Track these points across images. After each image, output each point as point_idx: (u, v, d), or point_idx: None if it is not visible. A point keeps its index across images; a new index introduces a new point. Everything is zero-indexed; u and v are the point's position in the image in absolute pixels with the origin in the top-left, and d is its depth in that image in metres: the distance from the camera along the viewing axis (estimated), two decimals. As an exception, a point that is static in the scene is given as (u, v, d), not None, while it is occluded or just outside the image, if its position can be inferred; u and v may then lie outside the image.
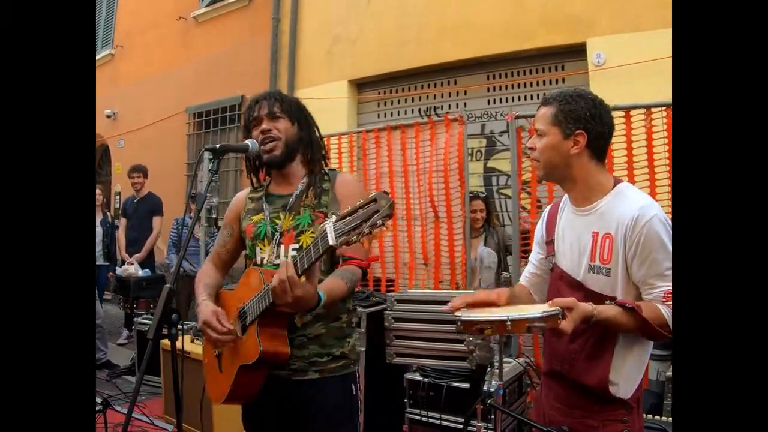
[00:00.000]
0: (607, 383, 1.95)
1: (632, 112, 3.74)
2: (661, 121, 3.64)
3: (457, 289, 4.65)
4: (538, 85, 6.15)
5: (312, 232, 2.09)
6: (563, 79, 5.94)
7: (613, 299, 1.91)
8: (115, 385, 5.58)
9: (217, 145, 2.10)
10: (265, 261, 2.17)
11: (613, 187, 2.00)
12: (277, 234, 2.15)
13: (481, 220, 4.99)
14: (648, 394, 3.37)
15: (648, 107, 3.69)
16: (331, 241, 1.64)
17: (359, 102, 7.45)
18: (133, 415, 1.91)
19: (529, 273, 2.30)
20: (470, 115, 6.45)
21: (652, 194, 3.69)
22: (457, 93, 6.71)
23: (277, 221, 2.17)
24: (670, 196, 3.65)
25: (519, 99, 6.28)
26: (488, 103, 6.49)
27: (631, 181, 3.74)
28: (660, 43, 4.90)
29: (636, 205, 1.88)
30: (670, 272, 1.83)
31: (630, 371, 1.98)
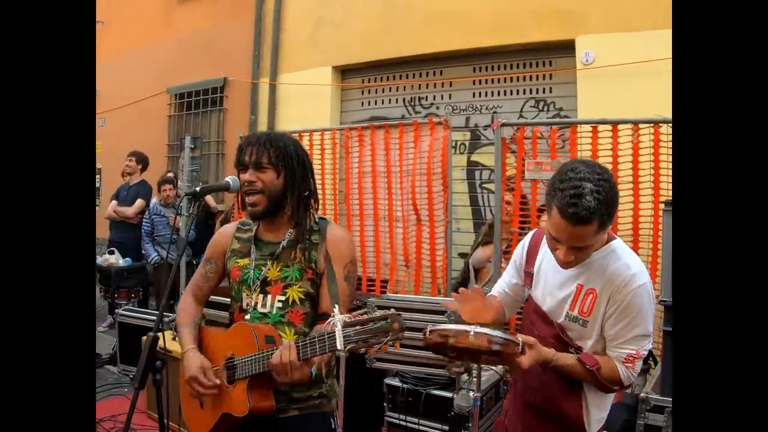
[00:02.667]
0: (582, 416, 2.02)
1: (620, 127, 3.71)
2: (648, 138, 3.62)
3: (438, 293, 4.65)
4: (524, 80, 6.07)
5: (300, 287, 2.12)
6: (550, 75, 5.88)
7: (579, 349, 2.00)
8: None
9: (197, 188, 2.09)
10: (251, 308, 2.16)
11: (606, 242, 1.99)
12: (258, 282, 2.16)
13: None
14: (621, 408, 3.42)
15: (635, 122, 3.66)
16: (339, 346, 1.76)
17: (342, 89, 7.35)
18: None
19: (501, 290, 2.32)
20: (455, 108, 6.43)
21: (635, 211, 3.69)
22: (443, 84, 6.61)
23: (263, 268, 2.16)
24: (653, 213, 3.67)
25: (505, 93, 6.21)
26: (473, 96, 6.41)
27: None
28: (650, 44, 4.87)
29: (628, 271, 1.91)
30: (639, 338, 1.92)
31: (596, 411, 2.06)
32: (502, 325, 2.30)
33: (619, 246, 1.99)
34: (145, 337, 4.65)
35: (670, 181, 3.57)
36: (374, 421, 4.16)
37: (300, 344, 1.87)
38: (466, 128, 6.43)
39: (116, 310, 5.99)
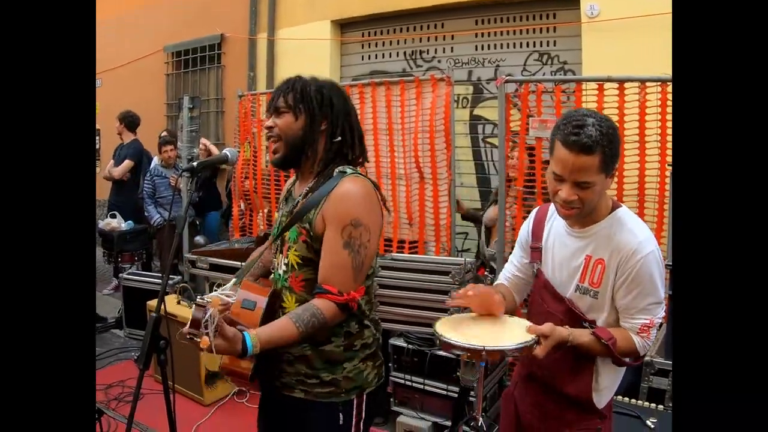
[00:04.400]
0: (591, 394, 2.01)
1: (626, 85, 3.61)
2: (656, 96, 3.52)
3: (442, 251, 4.63)
4: (527, 33, 5.92)
5: (296, 250, 1.94)
6: (554, 28, 5.73)
7: (592, 322, 1.97)
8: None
9: (195, 163, 1.97)
10: (274, 268, 2.08)
11: (611, 210, 1.97)
12: (278, 242, 2.05)
13: None
14: (626, 370, 3.41)
15: (642, 81, 3.56)
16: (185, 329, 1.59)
17: (342, 44, 7.19)
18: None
19: (510, 274, 2.28)
20: (457, 61, 6.32)
21: (641, 171, 3.62)
22: (444, 38, 6.45)
23: (283, 226, 2.03)
24: (659, 173, 3.61)
25: (508, 46, 6.07)
26: (476, 49, 6.26)
27: (621, 157, 3.66)
28: (658, -3, 4.72)
29: (634, 239, 1.88)
30: (651, 307, 1.89)
31: (608, 382, 2.05)
32: (513, 311, 2.25)
33: (625, 213, 1.96)
34: (150, 302, 4.70)
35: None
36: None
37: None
38: (468, 82, 6.32)
39: (120, 274, 6.01)
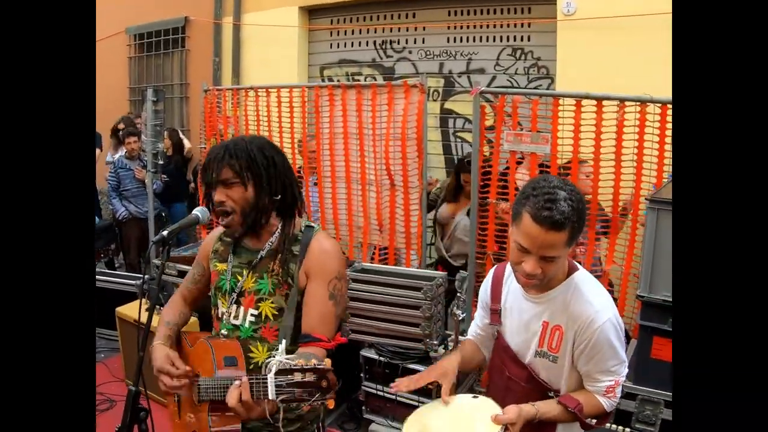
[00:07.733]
0: None
1: (605, 103, 3.56)
2: (634, 116, 3.49)
3: (413, 258, 4.58)
4: (501, 27, 5.81)
5: (272, 302, 1.99)
6: (529, 24, 5.63)
7: (556, 392, 1.97)
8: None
9: (165, 232, 1.89)
10: (224, 317, 2.08)
11: (568, 274, 1.94)
12: (235, 294, 2.05)
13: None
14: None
15: (622, 100, 3.51)
16: (271, 396, 1.61)
17: (310, 31, 6.99)
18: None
19: (475, 333, 2.28)
20: (428, 53, 6.21)
21: (616, 188, 3.60)
22: (416, 28, 6.29)
23: (240, 277, 2.05)
24: (633, 192, 3.59)
25: (481, 40, 5.94)
26: (448, 42, 6.12)
27: (596, 174, 3.63)
28: (636, -3, 4.66)
29: (591, 308, 1.87)
30: (615, 368, 1.90)
31: None
32: (482, 365, 2.28)
33: (582, 279, 1.94)
34: (119, 308, 4.58)
35: (654, 162, 3.48)
36: (351, 387, 4.17)
37: (253, 381, 1.71)
38: (439, 74, 6.20)
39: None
